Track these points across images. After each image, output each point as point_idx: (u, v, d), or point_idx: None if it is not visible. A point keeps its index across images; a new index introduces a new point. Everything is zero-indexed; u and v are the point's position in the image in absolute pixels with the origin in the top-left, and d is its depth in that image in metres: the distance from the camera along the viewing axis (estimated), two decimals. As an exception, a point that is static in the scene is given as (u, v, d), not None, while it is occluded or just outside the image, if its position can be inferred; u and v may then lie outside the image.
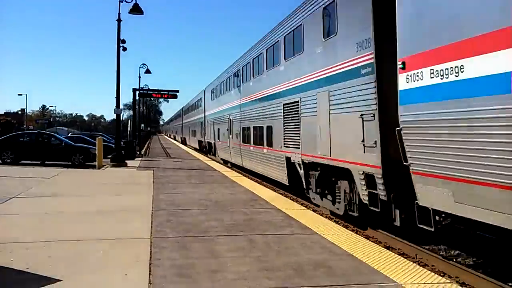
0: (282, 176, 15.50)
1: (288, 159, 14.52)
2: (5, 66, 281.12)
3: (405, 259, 6.85)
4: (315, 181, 12.62)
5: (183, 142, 64.80)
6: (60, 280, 5.42)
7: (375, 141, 8.66)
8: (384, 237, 10.19)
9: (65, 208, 10.51)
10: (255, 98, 19.77)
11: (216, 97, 32.08)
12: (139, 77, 42.89)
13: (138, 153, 33.21)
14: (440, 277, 6.04)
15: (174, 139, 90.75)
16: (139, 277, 5.62)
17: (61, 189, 13.92)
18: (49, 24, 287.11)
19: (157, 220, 9.17)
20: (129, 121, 42.40)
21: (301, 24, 13.37)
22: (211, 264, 6.23)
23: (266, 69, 17.86)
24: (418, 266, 6.45)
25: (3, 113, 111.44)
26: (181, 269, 5.96)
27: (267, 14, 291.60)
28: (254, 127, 19.82)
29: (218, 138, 30.01)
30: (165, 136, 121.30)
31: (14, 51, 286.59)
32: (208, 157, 33.50)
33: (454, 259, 8.66)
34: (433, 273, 6.16)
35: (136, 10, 22.99)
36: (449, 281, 5.97)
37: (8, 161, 24.43)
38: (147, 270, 5.92)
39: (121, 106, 28.31)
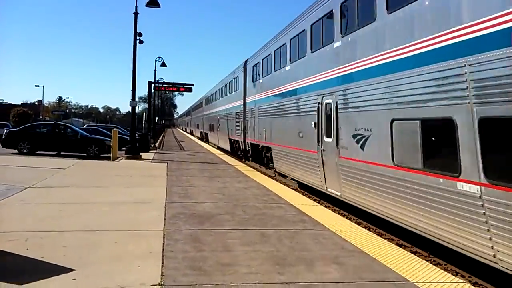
0: None
1: None
2: (22, 58, 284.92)
3: (418, 257, 6.81)
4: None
5: (203, 138, 53.16)
6: (73, 270, 5.49)
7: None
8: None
9: (79, 198, 10.62)
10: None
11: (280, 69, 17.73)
12: (155, 70, 43.21)
13: (152, 145, 33.40)
14: (453, 276, 5.99)
15: (192, 134, 79.10)
16: (152, 269, 5.67)
17: (76, 180, 14.07)
18: (67, 17, 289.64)
19: (170, 212, 9.23)
20: (144, 113, 42.66)
21: None
22: (223, 257, 6.26)
23: None
24: (430, 265, 6.41)
25: (20, 104, 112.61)
26: (194, 262, 6.00)
27: (284, 4, 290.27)
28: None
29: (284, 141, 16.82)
30: (180, 130, 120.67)
31: (32, 43, 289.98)
32: (246, 163, 23.92)
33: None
34: (445, 272, 6.12)
35: (153, 3, 23.08)
36: (462, 281, 5.92)
37: (25, 151, 24.73)
38: (159, 262, 5.96)
39: (137, 99, 28.48)
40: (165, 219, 8.60)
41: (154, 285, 5.12)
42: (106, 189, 12.40)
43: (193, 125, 78.43)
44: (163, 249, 6.54)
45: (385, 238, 8.69)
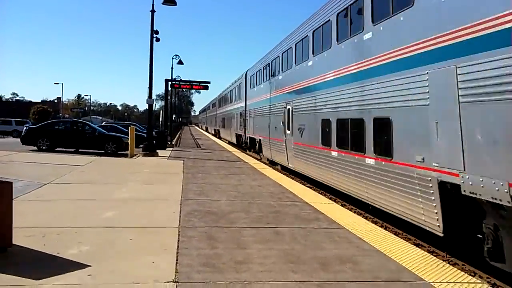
0: None
1: None
2: (42, 56, 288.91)
3: (435, 257, 6.71)
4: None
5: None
6: (89, 266, 5.55)
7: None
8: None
9: (96, 195, 10.73)
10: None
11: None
12: (172, 68, 43.29)
13: (169, 143, 33.59)
14: (471, 277, 5.89)
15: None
16: (166, 265, 5.70)
17: (94, 176, 14.21)
18: (85, 15, 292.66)
19: (185, 209, 9.26)
20: (161, 111, 42.91)
21: None
22: (237, 255, 6.25)
23: None
24: (447, 265, 6.31)
25: (40, 101, 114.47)
26: (208, 259, 6.00)
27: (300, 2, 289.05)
28: None
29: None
30: (197, 128, 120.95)
31: (51, 41, 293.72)
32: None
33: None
34: (463, 272, 6.02)
35: (170, 1, 23.21)
36: (479, 281, 5.83)
37: (44, 148, 25.08)
38: (174, 258, 5.99)
39: (154, 97, 28.71)
40: (180, 216, 8.63)
41: (168, 282, 5.14)
42: (122, 186, 12.50)
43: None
44: (177, 246, 6.57)
45: (401, 238, 8.59)
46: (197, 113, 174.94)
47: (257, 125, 26.96)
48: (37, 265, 5.57)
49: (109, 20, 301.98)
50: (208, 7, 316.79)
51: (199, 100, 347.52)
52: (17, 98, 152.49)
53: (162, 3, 23.24)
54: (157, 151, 24.33)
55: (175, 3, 23.35)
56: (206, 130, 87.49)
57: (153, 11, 24.23)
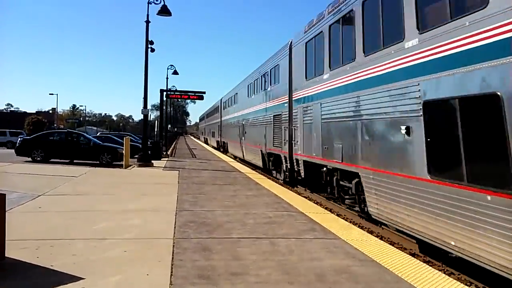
0: None
1: None
2: (37, 66, 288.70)
3: (431, 267, 6.68)
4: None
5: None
6: (82, 278, 5.49)
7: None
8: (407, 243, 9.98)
9: (90, 206, 10.66)
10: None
11: None
12: (167, 78, 43.50)
13: (164, 153, 33.52)
14: (467, 287, 5.87)
15: (206, 143, 68.82)
16: (161, 278, 5.65)
17: (88, 188, 14.14)
18: (80, 25, 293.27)
19: (180, 220, 9.22)
20: (156, 121, 42.86)
21: None
22: (232, 266, 6.21)
23: None
24: (443, 275, 6.29)
25: (34, 112, 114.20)
26: (203, 271, 5.96)
27: (295, 8, 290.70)
28: None
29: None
30: (193, 138, 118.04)
31: (46, 52, 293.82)
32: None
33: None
34: (459, 282, 6.00)
35: (164, 11, 23.24)
36: (476, 291, 5.80)
37: (38, 159, 25.00)
38: (169, 270, 5.94)
39: (149, 107, 28.72)
40: (175, 227, 8.58)
41: (162, 294, 5.09)
42: (117, 197, 12.44)
43: (207, 133, 71.61)
44: (172, 258, 6.52)
45: (397, 247, 8.57)
46: (192, 123, 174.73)
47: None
48: (30, 278, 5.50)
49: (104, 30, 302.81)
50: (204, 17, 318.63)
51: (195, 110, 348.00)
52: (12, 108, 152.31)
53: (157, 14, 23.29)
54: (152, 161, 24.26)
55: (170, 14, 23.40)
56: (206, 142, 72.76)
57: (148, 22, 24.30)
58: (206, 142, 70.54)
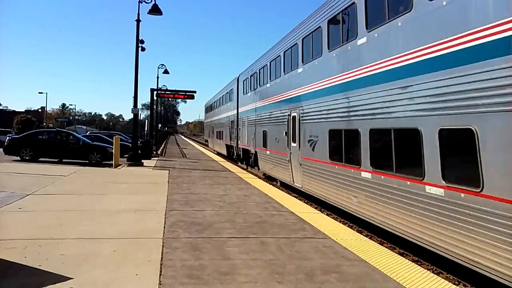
0: None
1: None
2: (26, 65, 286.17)
3: (419, 267, 6.74)
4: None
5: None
6: (71, 278, 5.45)
7: None
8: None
9: (79, 206, 10.59)
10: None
11: None
12: (157, 77, 43.19)
13: (154, 152, 33.38)
14: (455, 286, 5.92)
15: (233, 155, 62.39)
16: (150, 277, 5.63)
17: (77, 187, 14.05)
18: (70, 24, 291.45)
19: (170, 220, 9.19)
20: (146, 120, 42.68)
21: None
22: (222, 266, 6.20)
23: None
24: (432, 274, 6.34)
25: (23, 110, 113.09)
26: (192, 270, 5.95)
27: (284, 17, 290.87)
28: None
29: None
30: (183, 137, 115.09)
31: (36, 50, 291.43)
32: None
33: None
34: (447, 282, 6.05)
35: (155, 10, 23.13)
36: (463, 290, 5.85)
37: (27, 158, 24.75)
38: (158, 270, 5.92)
39: (139, 106, 28.63)
40: (164, 227, 8.55)
41: (151, 294, 5.07)
42: (106, 196, 12.37)
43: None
44: (161, 258, 6.50)
45: (386, 247, 8.62)
46: (183, 122, 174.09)
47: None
48: (18, 278, 5.45)
49: (94, 29, 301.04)
50: (195, 16, 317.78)
51: (185, 110, 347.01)
52: (0, 107, 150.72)
53: (148, 13, 23.18)
54: (142, 161, 24.16)
55: (160, 13, 23.31)
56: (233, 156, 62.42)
57: (138, 21, 24.17)
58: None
